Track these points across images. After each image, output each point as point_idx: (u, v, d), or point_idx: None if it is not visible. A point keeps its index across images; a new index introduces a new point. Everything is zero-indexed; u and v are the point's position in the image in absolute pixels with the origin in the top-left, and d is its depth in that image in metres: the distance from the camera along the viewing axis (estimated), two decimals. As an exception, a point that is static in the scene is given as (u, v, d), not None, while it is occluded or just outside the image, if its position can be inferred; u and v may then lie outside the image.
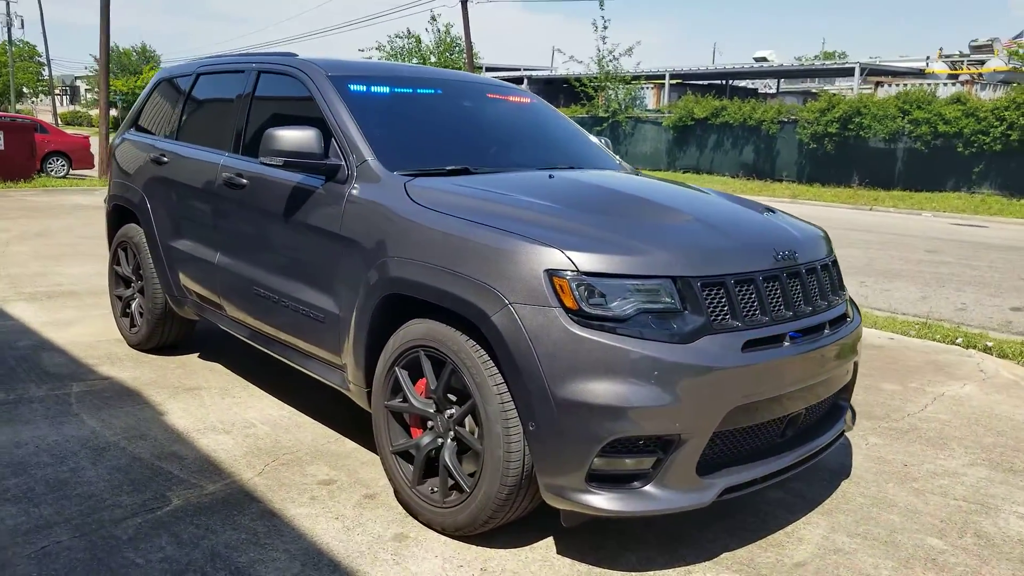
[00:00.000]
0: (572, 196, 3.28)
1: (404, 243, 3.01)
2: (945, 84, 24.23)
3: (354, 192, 3.30)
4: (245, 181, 3.89)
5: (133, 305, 5.05)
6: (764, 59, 36.72)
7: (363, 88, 3.80)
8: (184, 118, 4.70)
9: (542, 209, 2.94)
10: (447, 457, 2.90)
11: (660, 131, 27.35)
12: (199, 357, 5.02)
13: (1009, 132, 18.88)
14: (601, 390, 2.51)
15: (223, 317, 4.27)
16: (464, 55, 31.01)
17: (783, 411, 2.87)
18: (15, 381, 4.41)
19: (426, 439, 2.99)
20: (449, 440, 2.92)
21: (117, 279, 5.24)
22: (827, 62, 28.79)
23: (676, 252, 2.71)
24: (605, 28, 27.26)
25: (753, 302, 2.77)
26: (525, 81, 36.46)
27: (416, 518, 3.04)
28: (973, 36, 36.47)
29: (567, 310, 2.55)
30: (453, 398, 2.92)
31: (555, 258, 2.59)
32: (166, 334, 4.93)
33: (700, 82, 34.21)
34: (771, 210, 3.49)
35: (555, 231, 2.71)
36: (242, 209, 3.92)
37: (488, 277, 2.68)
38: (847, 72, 26.79)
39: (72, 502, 3.09)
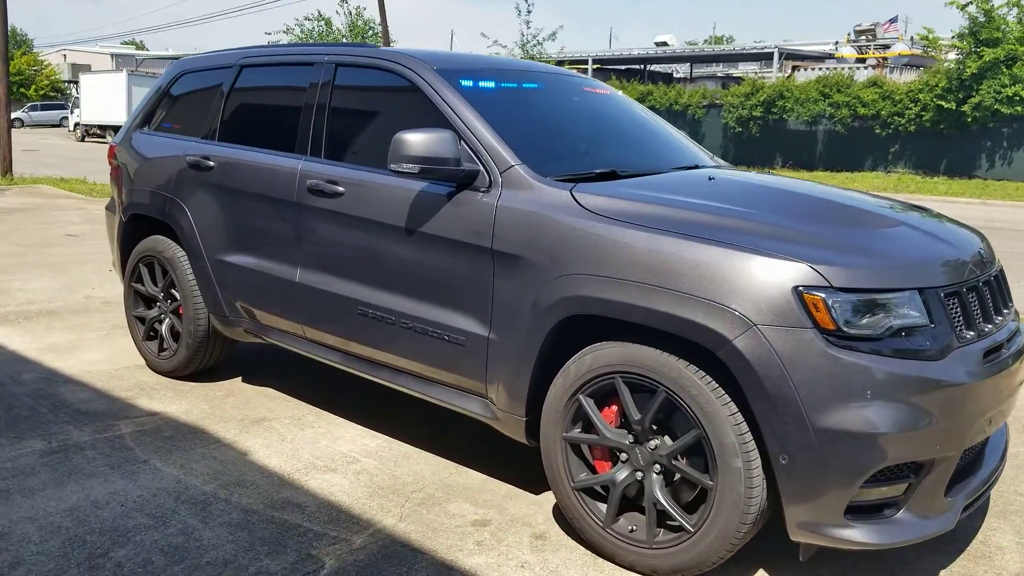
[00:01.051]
0: (766, 202, 3.05)
1: (590, 258, 2.69)
2: (855, 68, 25.29)
3: (504, 202, 2.95)
4: (341, 188, 3.45)
5: (163, 327, 4.49)
6: (665, 43, 37.40)
7: (472, 83, 3.43)
8: (226, 117, 4.17)
9: (752, 217, 2.70)
10: (658, 494, 2.62)
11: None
12: (244, 382, 4.51)
13: (923, 113, 19.87)
14: (867, 416, 2.30)
15: (299, 340, 3.82)
16: (380, 40, 30.18)
17: (992, 422, 2.75)
18: (46, 424, 3.82)
19: (622, 473, 2.70)
20: (655, 474, 2.65)
21: (137, 298, 4.65)
22: (747, 46, 29.64)
23: (916, 262, 2.53)
24: (529, 12, 27.08)
25: (977, 311, 2.63)
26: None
27: (613, 560, 2.75)
28: (859, 20, 38.26)
29: (822, 331, 2.32)
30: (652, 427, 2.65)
31: (804, 273, 2.36)
32: (207, 358, 4.41)
33: (619, 67, 34.50)
34: (926, 210, 3.36)
35: (790, 243, 2.47)
36: (338, 220, 3.48)
37: (720, 296, 2.41)
38: (767, 56, 27.63)
39: (207, 573, 2.64)
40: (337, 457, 3.56)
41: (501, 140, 3.09)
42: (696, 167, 3.66)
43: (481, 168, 3.06)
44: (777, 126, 22.48)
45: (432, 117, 3.28)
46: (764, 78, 24.51)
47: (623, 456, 2.72)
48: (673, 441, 2.61)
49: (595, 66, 31.56)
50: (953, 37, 19.90)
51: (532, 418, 2.96)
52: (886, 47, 27.81)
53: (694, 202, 2.84)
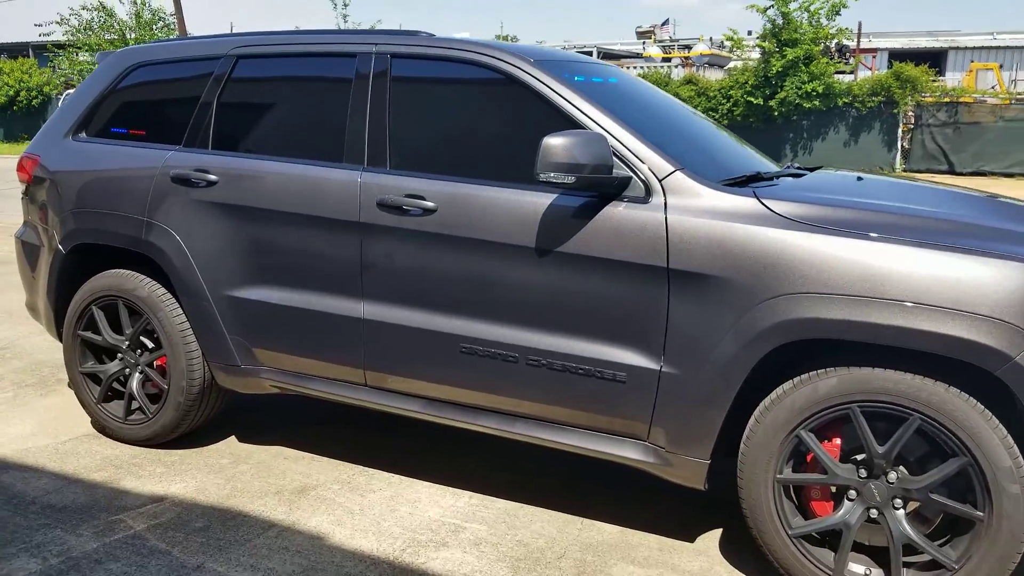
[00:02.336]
0: (950, 202, 2.89)
1: (811, 275, 2.36)
2: (670, 67, 26.76)
3: (677, 213, 2.54)
4: (431, 204, 2.85)
5: (132, 384, 3.55)
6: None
7: (583, 78, 2.99)
8: (223, 120, 3.35)
9: (963, 219, 2.53)
10: (909, 531, 2.36)
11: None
12: (243, 442, 3.69)
13: (735, 108, 21.36)
14: None
15: (357, 389, 3.14)
16: (174, 31, 27.59)
17: None
18: (21, 532, 2.86)
19: (854, 514, 2.41)
20: (897, 511, 2.38)
21: (86, 350, 3.66)
22: (566, 46, 30.50)
23: None
24: (346, 5, 25.92)
25: None
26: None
27: (850, 612, 2.45)
28: (649, 21, 40.89)
29: None
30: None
31: None
32: (197, 419, 3.56)
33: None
34: None
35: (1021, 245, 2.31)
36: (428, 242, 2.87)
37: (991, 309, 2.19)
38: (586, 55, 28.30)
39: None
40: (435, 527, 2.96)
41: (649, 142, 2.68)
42: (784, 163, 3.45)
43: (632, 175, 2.63)
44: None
45: (541, 117, 2.81)
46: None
47: (850, 494, 2.43)
48: (918, 473, 2.36)
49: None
50: (757, 38, 21.64)
51: (711, 461, 2.59)
52: (688, 47, 29.82)
53: (895, 206, 2.61)
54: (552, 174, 2.50)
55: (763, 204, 2.50)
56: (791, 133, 21.41)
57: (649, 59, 28.23)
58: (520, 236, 2.72)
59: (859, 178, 3.17)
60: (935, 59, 29.90)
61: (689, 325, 2.52)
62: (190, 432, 3.62)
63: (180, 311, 3.40)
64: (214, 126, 3.36)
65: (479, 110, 3.09)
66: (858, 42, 23.83)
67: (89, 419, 3.81)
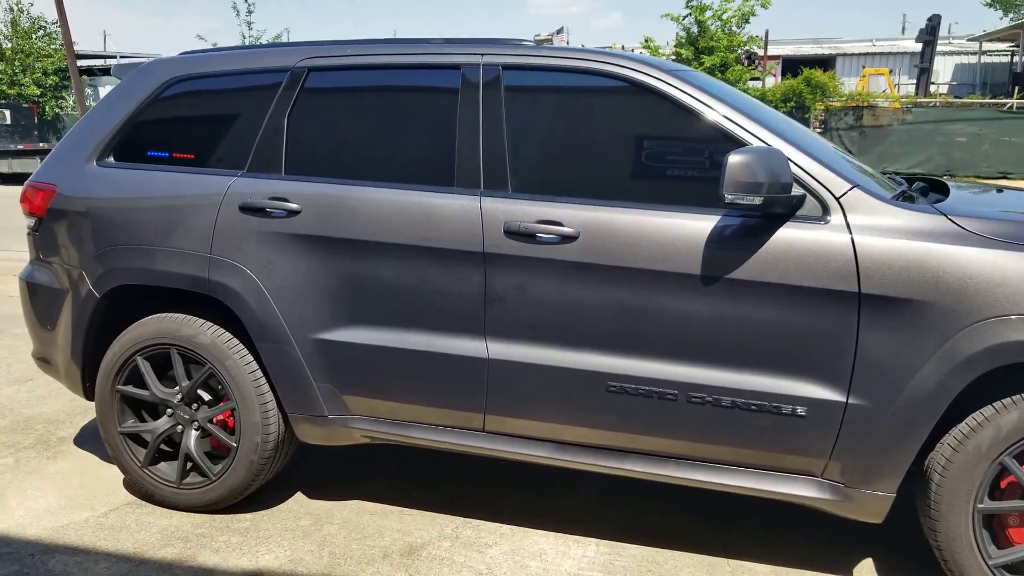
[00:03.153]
0: None
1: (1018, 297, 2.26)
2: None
3: (864, 234, 2.39)
4: (570, 230, 2.60)
5: (189, 443, 3.11)
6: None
7: (717, 88, 2.80)
8: (298, 140, 2.97)
9: None
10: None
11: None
12: (314, 498, 3.30)
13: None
14: None
15: (468, 435, 2.85)
16: (56, 39, 25.85)
17: None
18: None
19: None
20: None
21: (126, 407, 3.19)
22: None
23: None
24: (250, 12, 24.77)
25: None
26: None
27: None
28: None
29: None
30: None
31: None
32: (267, 476, 3.15)
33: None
34: None
35: None
36: (567, 272, 2.61)
37: None
38: None
39: None
40: (582, 583, 2.70)
41: (818, 157, 2.52)
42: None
43: (806, 193, 2.46)
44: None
45: (688, 133, 2.63)
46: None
47: (1051, 520, 2.34)
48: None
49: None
50: (675, 46, 22.13)
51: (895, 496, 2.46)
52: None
53: None
54: (742, 196, 2.30)
55: (953, 222, 2.38)
56: (709, 138, 22.01)
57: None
58: (679, 262, 2.50)
59: (999, 190, 3.13)
60: (824, 65, 31.49)
61: (881, 353, 2.37)
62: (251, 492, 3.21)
63: (251, 358, 3.00)
64: (286, 148, 2.98)
65: (609, 125, 2.85)
66: (765, 50, 24.74)
67: (123, 482, 3.34)
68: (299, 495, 3.33)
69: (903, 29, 50.02)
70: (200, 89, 3.20)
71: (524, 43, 2.93)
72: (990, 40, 31.85)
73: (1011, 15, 41.56)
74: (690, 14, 21.11)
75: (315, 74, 3.01)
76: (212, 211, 2.97)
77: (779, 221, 2.45)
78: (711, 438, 2.57)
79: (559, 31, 43.35)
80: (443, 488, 3.38)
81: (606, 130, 2.86)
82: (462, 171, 2.77)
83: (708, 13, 20.98)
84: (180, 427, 3.14)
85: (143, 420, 3.22)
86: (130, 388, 3.16)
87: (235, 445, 3.04)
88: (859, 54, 35.28)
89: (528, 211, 2.66)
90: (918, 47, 26.11)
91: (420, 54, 2.93)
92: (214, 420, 3.10)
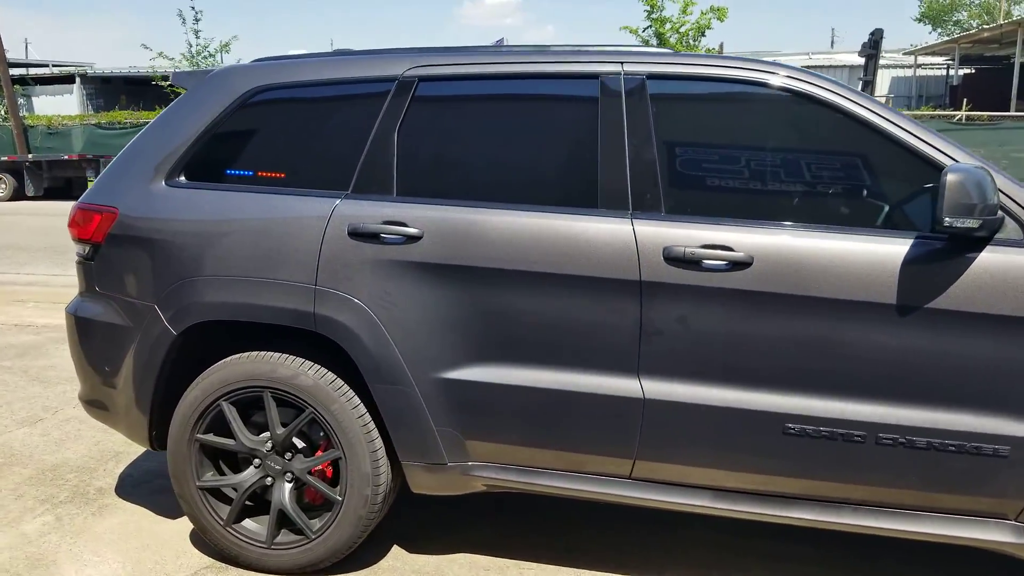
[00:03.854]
0: None
1: None
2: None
3: None
4: (743, 256, 2.36)
5: (283, 498, 2.77)
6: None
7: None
8: (407, 157, 2.67)
9: None
10: None
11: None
12: (410, 551, 2.98)
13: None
14: None
15: (609, 483, 2.58)
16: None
17: None
18: None
19: None
20: None
21: (204, 458, 2.83)
22: None
23: None
24: (197, 21, 23.93)
25: None
26: (78, 79, 30.37)
27: None
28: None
29: None
30: None
31: None
32: (365, 532, 2.82)
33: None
34: None
35: None
36: (742, 302, 2.37)
37: None
38: None
39: None
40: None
41: (1003, 175, 2.35)
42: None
43: (1005, 215, 2.28)
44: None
45: (857, 147, 2.43)
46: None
47: None
48: None
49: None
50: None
51: None
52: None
53: None
54: (957, 218, 2.11)
55: None
56: (670, 149, 22.18)
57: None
58: (870, 291, 2.30)
59: None
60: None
61: None
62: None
63: (359, 401, 2.67)
64: (397, 165, 2.67)
65: (773, 140, 2.63)
66: (719, 62, 25.09)
67: (191, 541, 2.96)
68: (396, 549, 3.00)
69: (832, 43, 51.59)
70: (288, 100, 2.86)
71: (663, 52, 2.69)
72: (925, 54, 33.03)
73: (939, 30, 43.40)
74: (650, 26, 21.26)
75: (426, 84, 2.71)
76: (316, 237, 2.64)
77: (980, 245, 2.26)
78: (899, 482, 2.37)
79: (499, 42, 43.81)
80: (559, 535, 3.10)
81: (769, 146, 2.64)
82: (607, 191, 2.51)
83: (667, 26, 21.19)
84: (270, 479, 2.79)
85: (223, 472, 2.86)
86: (211, 437, 2.79)
87: (340, 499, 2.70)
88: (799, 67, 36.11)
89: (690, 235, 2.42)
90: (852, 60, 26.85)
91: (550, 62, 2.66)
92: (312, 471, 2.76)
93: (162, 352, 2.79)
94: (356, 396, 2.68)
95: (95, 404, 3.05)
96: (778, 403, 2.39)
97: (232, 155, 2.86)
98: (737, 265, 2.37)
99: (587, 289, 2.47)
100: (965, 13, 43.60)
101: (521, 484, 2.67)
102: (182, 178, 2.85)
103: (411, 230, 2.58)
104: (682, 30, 21.39)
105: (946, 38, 35.27)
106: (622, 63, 2.59)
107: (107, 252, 2.89)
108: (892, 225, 2.40)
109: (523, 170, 2.69)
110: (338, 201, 2.67)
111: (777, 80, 2.49)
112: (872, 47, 29.99)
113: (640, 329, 2.45)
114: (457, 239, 2.55)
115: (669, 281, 2.41)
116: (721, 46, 24.04)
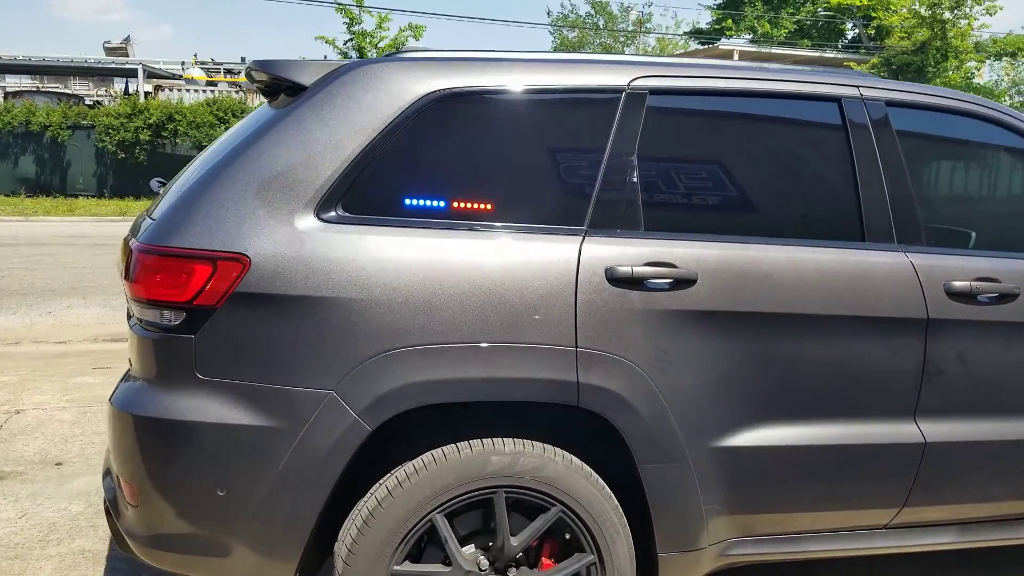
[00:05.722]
0: None
1: None
2: (209, 91, 24.51)
3: None
4: (1013, 287, 2.36)
5: (510, 628, 2.11)
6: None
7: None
8: (649, 184, 2.20)
9: None
10: None
11: None
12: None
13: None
14: None
15: (868, 534, 2.43)
16: None
17: None
18: None
19: None
20: None
21: (401, 596, 2.04)
22: (107, 60, 25.43)
23: None
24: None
25: None
26: None
27: None
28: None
29: None
30: None
31: None
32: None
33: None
34: None
35: None
36: (1012, 334, 2.37)
37: None
38: (130, 73, 24.10)
39: None
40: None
41: None
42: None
43: None
44: (166, 151, 20.38)
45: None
46: (115, 97, 21.79)
47: None
48: None
49: None
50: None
51: None
52: (231, 71, 27.74)
53: None
54: None
55: None
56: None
57: (192, 81, 25.72)
58: None
59: None
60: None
61: None
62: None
63: (608, 489, 2.15)
64: (641, 194, 2.20)
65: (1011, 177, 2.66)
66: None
67: None
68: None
69: None
70: (483, 110, 2.19)
71: (870, 76, 2.58)
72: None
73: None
74: (352, 39, 20.77)
75: (656, 97, 2.27)
76: (567, 286, 2.06)
77: None
78: None
79: (126, 39, 39.65)
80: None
81: (1004, 179, 2.67)
82: (871, 222, 2.34)
83: (367, 40, 20.90)
84: (490, 609, 2.11)
85: (416, 612, 2.09)
86: (413, 568, 2.03)
87: (563, 617, 2.14)
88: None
89: (962, 267, 2.36)
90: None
91: (790, 81, 2.40)
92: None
93: (345, 456, 1.96)
94: (605, 483, 2.15)
95: (174, 544, 2.03)
96: None
97: (409, 181, 2.12)
98: (1002, 297, 2.37)
99: (874, 330, 2.29)
100: (590, 50, 49.99)
101: (778, 554, 2.37)
102: (339, 211, 2.03)
103: (683, 272, 2.14)
104: (380, 45, 21.29)
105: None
106: (859, 87, 2.43)
107: (227, 320, 1.94)
108: None
109: (779, 200, 2.40)
110: (580, 240, 2.11)
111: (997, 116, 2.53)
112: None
113: (923, 369, 2.32)
114: (736, 281, 2.18)
115: (952, 317, 2.33)
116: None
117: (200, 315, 1.95)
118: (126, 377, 2.18)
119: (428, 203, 2.10)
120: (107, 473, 2.31)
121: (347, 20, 20.79)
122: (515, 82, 2.20)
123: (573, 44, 41.16)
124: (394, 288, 1.98)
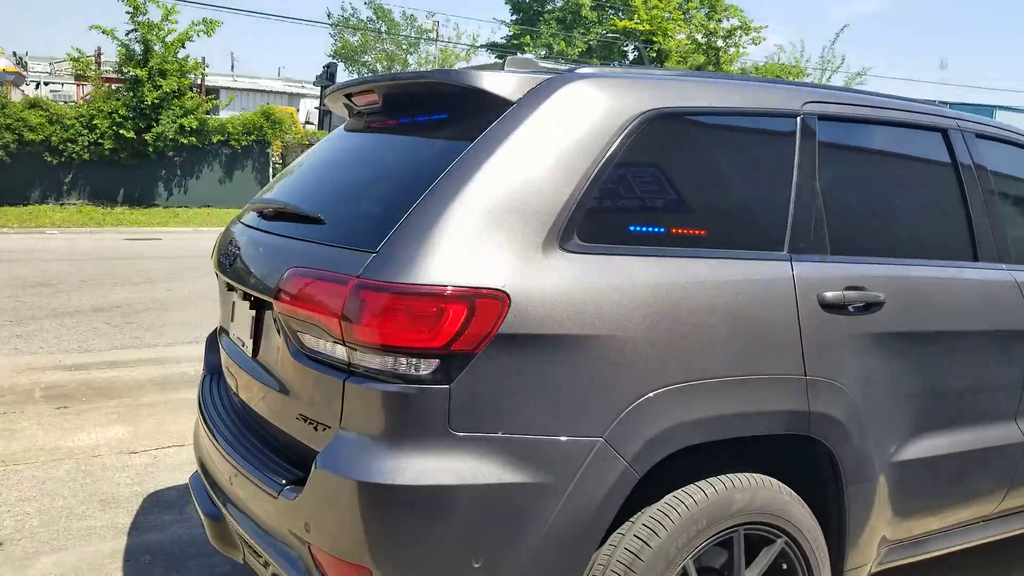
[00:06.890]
0: None
1: None
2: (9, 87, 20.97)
3: None
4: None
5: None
6: None
7: None
8: (831, 209, 2.23)
9: None
10: None
11: None
12: None
13: (101, 141, 18.62)
14: None
15: (979, 526, 2.67)
16: None
17: None
18: None
19: None
20: None
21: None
22: None
23: None
24: None
25: None
26: None
27: None
28: None
29: None
30: None
31: None
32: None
33: None
34: None
35: None
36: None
37: None
38: None
39: None
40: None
41: None
42: None
43: None
44: None
45: None
46: None
47: None
48: None
49: None
50: (121, 64, 19.10)
51: None
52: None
53: None
54: None
55: None
56: (164, 170, 20.00)
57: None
58: None
59: None
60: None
61: None
62: None
63: (810, 514, 2.16)
64: (827, 218, 2.22)
65: None
66: (203, 79, 23.62)
67: None
68: None
69: (232, 66, 51.68)
70: (686, 129, 2.08)
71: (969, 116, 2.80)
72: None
73: (349, 68, 48.03)
74: (136, 29, 18.77)
75: (823, 124, 2.31)
76: (792, 313, 2.04)
77: None
78: None
79: None
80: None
81: None
82: (983, 242, 2.56)
83: (153, 32, 18.99)
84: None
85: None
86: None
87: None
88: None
89: (1043, 282, 2.66)
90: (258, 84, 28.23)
91: (934, 115, 2.58)
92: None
93: (613, 509, 1.79)
94: (807, 508, 2.16)
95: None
96: None
97: (629, 204, 1.97)
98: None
99: (996, 342, 2.52)
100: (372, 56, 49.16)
101: (912, 556, 2.51)
102: (579, 240, 1.85)
103: (872, 295, 2.20)
104: (168, 40, 19.48)
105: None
106: (956, 120, 2.65)
107: (487, 367, 1.69)
108: None
109: (933, 223, 2.58)
110: (789, 264, 2.10)
111: None
112: (328, 79, 32.00)
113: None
114: (919, 302, 2.31)
115: (1043, 326, 2.61)
116: (203, 59, 22.41)
117: (457, 362, 1.67)
118: (333, 438, 1.78)
119: (648, 228, 1.97)
120: (277, 552, 1.90)
121: (130, 9, 18.76)
122: (706, 101, 2.13)
123: (355, 48, 40.42)
124: (651, 321, 1.84)
